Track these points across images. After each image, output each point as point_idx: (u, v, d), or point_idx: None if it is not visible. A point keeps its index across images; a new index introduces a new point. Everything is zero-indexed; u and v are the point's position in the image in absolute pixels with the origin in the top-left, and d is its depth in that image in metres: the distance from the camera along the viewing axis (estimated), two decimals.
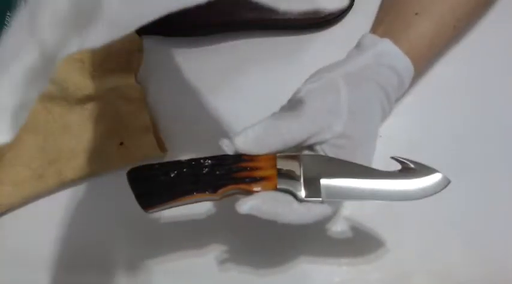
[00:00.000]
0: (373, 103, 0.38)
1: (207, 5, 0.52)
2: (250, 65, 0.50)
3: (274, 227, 0.43)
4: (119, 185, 0.45)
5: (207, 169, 0.34)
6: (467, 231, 0.43)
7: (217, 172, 0.33)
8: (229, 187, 0.33)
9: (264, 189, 0.33)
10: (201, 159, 0.34)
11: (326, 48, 0.49)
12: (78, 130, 0.46)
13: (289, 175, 0.34)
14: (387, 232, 0.43)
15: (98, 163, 0.46)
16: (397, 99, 0.41)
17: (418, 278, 0.42)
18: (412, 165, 0.35)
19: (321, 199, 0.33)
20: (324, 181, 0.34)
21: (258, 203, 0.33)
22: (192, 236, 0.44)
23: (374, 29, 0.44)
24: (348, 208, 0.44)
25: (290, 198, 0.34)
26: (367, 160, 0.37)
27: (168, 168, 0.33)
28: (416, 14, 0.41)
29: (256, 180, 0.33)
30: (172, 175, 0.33)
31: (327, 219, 0.36)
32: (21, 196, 0.45)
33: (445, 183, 0.35)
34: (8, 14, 0.52)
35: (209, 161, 0.34)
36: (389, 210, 0.44)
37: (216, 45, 0.51)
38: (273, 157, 0.34)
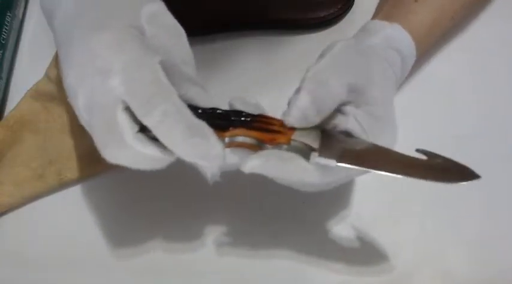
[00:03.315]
0: (391, 83, 0.38)
1: (206, 5, 0.53)
2: (250, 65, 0.50)
3: (272, 225, 0.44)
4: (118, 185, 0.45)
5: (221, 112, 0.32)
6: (468, 231, 0.43)
7: (232, 118, 0.32)
8: (240, 130, 0.31)
9: (277, 140, 0.31)
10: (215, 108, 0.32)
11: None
12: (78, 130, 0.46)
13: (305, 143, 0.32)
14: (387, 232, 0.43)
15: (97, 163, 0.45)
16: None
17: (418, 278, 0.42)
18: (439, 160, 0.32)
19: (335, 161, 0.30)
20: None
21: (263, 161, 0.30)
22: (191, 232, 0.44)
23: (374, 16, 0.44)
24: (348, 208, 0.44)
25: (299, 157, 0.31)
26: (393, 139, 0.35)
27: None
28: (415, 1, 0.42)
29: (269, 131, 0.31)
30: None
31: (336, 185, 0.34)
32: (21, 196, 0.45)
33: (473, 177, 0.32)
34: (8, 14, 0.52)
35: (224, 110, 0.32)
36: (390, 210, 0.44)
37: (216, 45, 0.51)
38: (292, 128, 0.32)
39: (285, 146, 0.32)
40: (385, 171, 0.31)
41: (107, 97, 0.28)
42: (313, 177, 0.32)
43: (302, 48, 0.50)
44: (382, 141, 0.33)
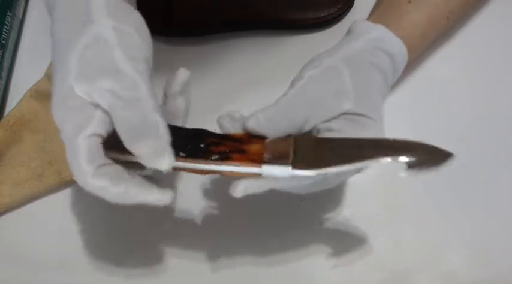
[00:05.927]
0: (374, 85, 0.38)
1: (206, 5, 0.53)
2: (250, 65, 0.50)
3: (271, 226, 0.44)
4: None
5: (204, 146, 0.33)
6: (468, 230, 0.43)
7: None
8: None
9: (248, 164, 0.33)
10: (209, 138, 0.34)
11: (326, 48, 0.49)
12: None
13: (278, 156, 0.33)
14: (387, 231, 0.43)
15: None
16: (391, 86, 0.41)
17: (418, 278, 0.42)
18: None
19: (311, 172, 0.32)
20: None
21: (251, 181, 0.33)
22: (190, 235, 0.44)
23: (368, 16, 0.44)
24: (348, 208, 0.44)
25: None
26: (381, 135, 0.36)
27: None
28: (409, 2, 0.42)
29: (240, 152, 0.33)
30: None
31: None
32: (21, 195, 0.45)
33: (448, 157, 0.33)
34: (9, 14, 0.52)
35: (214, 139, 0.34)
36: (390, 209, 0.44)
37: (216, 45, 0.51)
38: (262, 145, 0.34)
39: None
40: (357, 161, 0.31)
41: None
42: (300, 184, 0.34)
43: (302, 48, 0.50)
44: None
